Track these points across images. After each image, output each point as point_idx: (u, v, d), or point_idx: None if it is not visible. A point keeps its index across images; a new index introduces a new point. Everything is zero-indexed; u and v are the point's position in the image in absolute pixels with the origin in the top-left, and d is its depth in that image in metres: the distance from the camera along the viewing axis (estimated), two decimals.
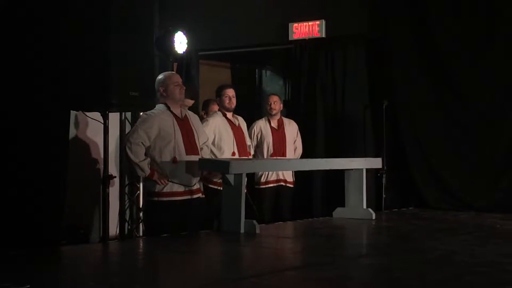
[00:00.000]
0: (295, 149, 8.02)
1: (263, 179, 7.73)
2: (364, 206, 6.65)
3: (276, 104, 7.94)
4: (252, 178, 7.66)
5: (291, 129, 8.06)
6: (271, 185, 7.76)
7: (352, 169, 6.73)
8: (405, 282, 3.75)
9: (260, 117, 8.15)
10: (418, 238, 5.66)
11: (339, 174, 6.93)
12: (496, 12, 7.51)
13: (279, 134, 7.89)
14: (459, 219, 6.71)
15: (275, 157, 7.74)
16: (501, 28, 7.50)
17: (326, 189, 8.54)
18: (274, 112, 7.91)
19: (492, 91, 7.53)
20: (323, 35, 8.86)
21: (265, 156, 7.78)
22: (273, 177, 7.73)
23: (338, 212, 6.80)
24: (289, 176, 7.88)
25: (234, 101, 7.24)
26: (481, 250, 4.96)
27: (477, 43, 7.59)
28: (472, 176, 7.58)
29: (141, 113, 6.53)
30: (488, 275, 3.90)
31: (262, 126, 7.87)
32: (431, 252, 4.80)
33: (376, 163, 7.07)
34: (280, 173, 7.75)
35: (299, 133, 8.14)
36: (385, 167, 7.65)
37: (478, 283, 3.70)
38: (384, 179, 7.81)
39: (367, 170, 6.82)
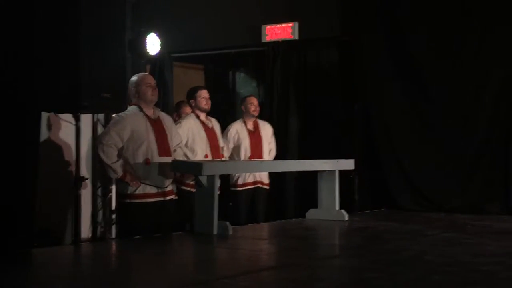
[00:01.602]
0: (269, 151, 8.04)
1: (240, 181, 7.73)
2: (337, 208, 6.68)
3: (255, 105, 7.94)
4: (228, 180, 7.66)
5: (266, 131, 8.07)
6: (248, 187, 7.77)
7: (324, 171, 6.76)
8: (375, 283, 3.78)
9: (233, 120, 8.15)
10: (389, 239, 5.69)
11: (312, 175, 6.96)
12: (465, 15, 7.57)
13: (255, 136, 7.90)
14: (430, 220, 6.75)
15: (252, 159, 7.76)
16: (471, 31, 7.56)
17: (299, 190, 8.57)
18: (257, 113, 7.92)
19: (462, 93, 7.59)
20: (296, 37, 8.89)
21: (242, 158, 7.77)
22: (250, 179, 7.74)
23: (311, 214, 6.82)
24: (265, 178, 7.89)
25: (207, 104, 7.26)
26: (451, 250, 5.01)
27: (447, 46, 7.65)
28: (443, 177, 7.64)
29: (113, 115, 6.50)
30: (458, 274, 3.95)
31: (238, 128, 7.87)
32: (402, 253, 4.86)
33: (348, 164, 7.11)
34: (257, 174, 7.76)
35: (273, 135, 8.16)
36: (357, 168, 7.67)
37: (448, 283, 3.74)
38: (356, 181, 7.85)
39: (340, 171, 6.86)
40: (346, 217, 6.61)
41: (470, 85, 7.58)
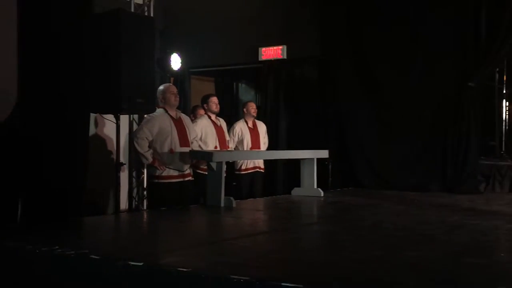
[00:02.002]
0: (264, 143, 8.04)
1: (243, 167, 7.72)
2: (315, 186, 6.69)
3: (254, 108, 7.97)
4: (233, 165, 7.67)
5: (262, 128, 8.07)
6: (249, 171, 7.77)
7: (306, 158, 6.77)
8: (345, 243, 3.80)
9: (237, 119, 8.15)
10: (355, 210, 5.72)
11: (297, 162, 6.97)
12: (417, 36, 7.49)
13: (254, 132, 7.90)
14: (386, 196, 6.75)
15: (252, 150, 7.79)
16: (420, 51, 7.50)
17: (287, 173, 8.56)
18: (255, 115, 7.94)
19: (412, 101, 7.53)
20: (285, 57, 8.89)
21: (245, 149, 7.78)
22: (250, 165, 7.73)
23: (296, 191, 6.83)
24: (262, 164, 7.90)
25: (218, 107, 7.30)
26: (402, 219, 5.04)
27: (401, 63, 7.60)
28: (396, 163, 7.61)
29: (145, 115, 6.53)
30: (407, 237, 3.99)
31: (241, 126, 7.86)
32: (364, 221, 4.90)
33: (324, 154, 7.10)
34: (256, 161, 7.78)
35: (266, 131, 8.17)
36: (331, 157, 7.67)
37: (399, 243, 3.78)
38: (330, 166, 7.85)
39: (317, 159, 6.87)
40: (322, 194, 6.61)
41: (418, 89, 7.50)
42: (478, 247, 3.69)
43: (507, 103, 8.38)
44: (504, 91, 8.35)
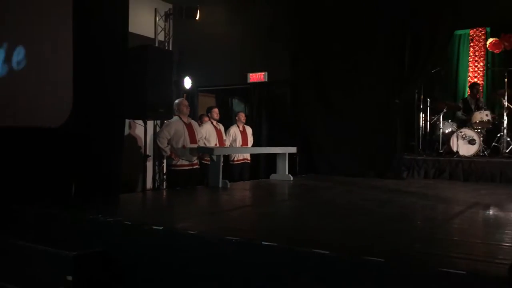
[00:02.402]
0: (250, 142, 8.04)
1: (235, 158, 7.71)
2: (287, 173, 6.69)
3: (243, 117, 7.96)
4: (228, 158, 7.66)
5: (249, 131, 8.05)
6: (240, 161, 7.75)
7: (280, 153, 6.77)
8: (308, 215, 3.82)
9: (231, 125, 8.13)
10: (315, 190, 5.71)
11: (274, 155, 6.97)
12: (360, 66, 7.42)
13: (244, 134, 7.87)
14: (336, 180, 6.75)
15: (242, 147, 7.78)
16: (362, 77, 7.44)
17: (267, 163, 8.54)
18: (244, 121, 7.93)
19: (355, 111, 7.49)
20: (266, 80, 8.88)
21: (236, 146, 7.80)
22: (240, 157, 7.73)
23: (273, 176, 6.82)
24: (248, 157, 7.88)
25: (218, 115, 7.29)
26: (349, 197, 5.04)
27: (348, 85, 7.55)
28: (344, 157, 7.55)
29: (165, 121, 6.50)
30: (353, 210, 4.00)
31: (235, 130, 7.83)
32: (322, 198, 4.90)
33: (293, 150, 7.10)
34: (244, 155, 7.76)
35: (252, 133, 8.17)
36: (298, 152, 7.67)
37: (347, 214, 3.78)
38: (298, 158, 7.86)
39: (288, 154, 6.87)
40: (292, 179, 6.61)
41: (360, 102, 7.44)
42: (401, 217, 3.70)
43: (423, 114, 8.44)
44: (421, 106, 8.42)
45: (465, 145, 7.32)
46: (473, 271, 2.05)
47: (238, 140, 7.78)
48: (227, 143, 7.60)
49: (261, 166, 8.71)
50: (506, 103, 7.47)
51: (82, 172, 4.50)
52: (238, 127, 7.90)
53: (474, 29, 9.56)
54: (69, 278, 2.90)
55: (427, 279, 2.09)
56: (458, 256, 2.37)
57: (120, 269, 3.01)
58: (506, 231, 3.20)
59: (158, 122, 7.94)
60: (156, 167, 8.21)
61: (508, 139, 7.36)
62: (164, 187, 7.76)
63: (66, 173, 4.40)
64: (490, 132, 7.77)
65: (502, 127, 7.33)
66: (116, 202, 4.42)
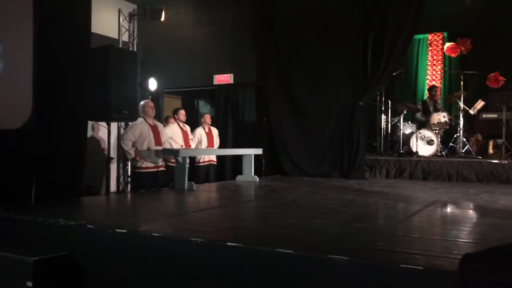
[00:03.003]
0: (216, 144, 8.02)
1: (201, 160, 7.69)
2: (253, 174, 6.70)
3: (209, 118, 7.94)
4: (194, 159, 7.61)
5: (215, 132, 8.05)
6: (206, 163, 7.73)
7: (246, 154, 6.78)
8: (272, 214, 3.82)
9: (198, 126, 8.09)
10: (279, 191, 5.72)
11: (240, 157, 6.97)
12: (325, 69, 7.50)
13: (210, 136, 7.86)
14: (301, 181, 6.81)
15: (208, 148, 7.74)
16: (327, 79, 7.51)
17: (233, 165, 8.54)
18: (210, 123, 7.90)
19: (320, 112, 7.57)
20: (232, 82, 8.89)
21: (203, 148, 7.75)
22: (206, 158, 7.71)
23: (239, 178, 6.81)
24: (214, 158, 7.87)
25: (185, 117, 7.25)
26: (312, 197, 5.05)
27: (314, 87, 7.61)
28: (309, 158, 7.61)
29: (129, 123, 6.39)
30: (315, 210, 4.01)
31: (201, 131, 7.83)
32: (286, 198, 4.89)
33: (259, 151, 7.13)
34: (210, 156, 7.74)
35: (218, 135, 8.15)
36: (264, 153, 7.70)
37: (310, 213, 3.80)
38: (263, 160, 7.89)
39: (254, 155, 6.88)
40: (258, 180, 6.62)
41: (324, 104, 7.52)
42: (364, 216, 3.77)
43: (384, 116, 8.64)
44: (383, 108, 8.61)
45: (424, 145, 7.55)
46: (430, 266, 2.11)
47: (204, 142, 7.76)
48: (193, 145, 7.56)
49: (227, 167, 8.71)
50: (462, 105, 7.75)
51: (43, 175, 4.36)
52: (204, 128, 7.87)
53: (432, 34, 9.89)
54: (29, 284, 2.81)
55: (389, 275, 2.14)
56: (417, 252, 2.43)
57: (84, 273, 2.94)
58: (461, 228, 3.32)
59: (122, 124, 7.80)
60: (121, 170, 8.06)
61: (464, 139, 7.63)
62: (129, 189, 7.62)
63: (26, 176, 4.26)
64: (447, 133, 8.05)
65: (459, 128, 7.60)
66: (78, 205, 4.30)
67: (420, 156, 7.40)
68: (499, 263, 0.76)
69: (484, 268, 0.77)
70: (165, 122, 7.92)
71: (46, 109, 4.39)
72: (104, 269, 2.87)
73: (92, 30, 5.05)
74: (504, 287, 0.74)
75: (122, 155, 7.65)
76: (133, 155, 5.79)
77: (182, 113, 7.33)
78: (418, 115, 8.61)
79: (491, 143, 7.84)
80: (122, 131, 7.62)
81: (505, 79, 8.41)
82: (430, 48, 9.98)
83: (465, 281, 0.77)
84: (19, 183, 4.19)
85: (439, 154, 7.55)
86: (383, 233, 3.07)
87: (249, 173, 6.70)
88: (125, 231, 2.86)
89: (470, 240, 2.87)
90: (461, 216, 3.99)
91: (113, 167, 7.78)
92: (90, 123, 7.21)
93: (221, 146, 8.22)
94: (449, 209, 4.34)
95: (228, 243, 2.50)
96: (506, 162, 6.68)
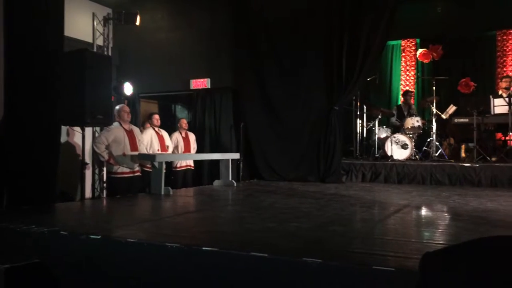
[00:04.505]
0: (193, 149, 8.00)
1: (178, 165, 7.65)
2: (230, 179, 6.71)
3: (185, 123, 7.92)
4: (171, 164, 7.57)
5: (192, 137, 8.03)
6: (182, 168, 7.70)
7: (223, 159, 6.78)
8: (248, 218, 3.83)
9: (174, 131, 8.05)
10: (256, 195, 5.72)
11: (217, 161, 6.97)
12: (301, 75, 7.55)
13: (186, 140, 7.84)
14: (278, 185, 6.85)
15: (184, 153, 7.71)
16: (303, 85, 7.57)
17: (210, 170, 8.52)
18: (185, 128, 7.88)
19: (297, 114, 7.61)
20: (209, 87, 8.87)
21: (179, 153, 7.71)
22: (183, 163, 7.68)
23: (216, 182, 6.83)
24: (191, 163, 7.84)
25: (158, 122, 7.20)
26: (288, 200, 5.08)
27: (289, 92, 7.68)
28: (286, 163, 7.66)
29: (104, 127, 6.32)
30: (291, 213, 4.02)
31: (177, 136, 7.80)
32: (263, 202, 4.90)
33: (236, 155, 7.15)
34: (187, 161, 7.71)
35: (195, 139, 8.12)
36: (241, 158, 7.72)
37: (286, 217, 3.81)
38: (241, 164, 7.90)
39: (232, 159, 6.89)
40: (235, 184, 6.64)
41: (300, 109, 7.60)
42: (340, 219, 3.80)
43: (359, 121, 8.77)
44: (358, 113, 8.74)
45: (399, 149, 7.69)
46: (402, 267, 2.16)
47: (181, 147, 7.73)
48: (170, 150, 7.52)
49: (205, 172, 8.68)
50: (434, 110, 7.93)
51: (15, 180, 4.28)
52: (181, 133, 7.85)
53: (406, 40, 10.11)
54: None
55: (361, 277, 2.18)
56: (389, 254, 2.48)
57: (56, 281, 2.89)
58: (434, 229, 3.40)
59: (97, 129, 7.71)
60: (96, 175, 7.95)
61: (437, 143, 7.81)
62: (104, 195, 7.52)
63: None
64: (421, 137, 8.22)
65: (432, 132, 7.77)
66: (52, 212, 4.22)
67: (395, 160, 7.53)
68: (453, 261, 0.80)
69: (441, 266, 0.81)
70: (142, 127, 7.86)
71: (18, 114, 4.32)
72: (77, 276, 2.83)
73: (66, 34, 4.99)
74: (463, 285, 0.78)
75: (97, 160, 7.55)
76: (106, 157, 5.73)
77: (155, 118, 7.29)
78: (393, 119, 8.77)
79: (463, 147, 8.05)
80: (96, 135, 7.51)
81: (475, 85, 8.64)
82: (403, 54, 10.20)
83: (424, 278, 0.81)
84: None
85: (413, 158, 7.70)
86: (357, 236, 3.11)
87: (226, 178, 6.70)
88: (99, 237, 2.83)
89: (442, 242, 2.94)
90: (434, 218, 4.08)
91: (88, 173, 7.67)
92: (65, 128, 7.12)
93: (199, 150, 8.20)
94: (422, 212, 4.44)
95: (203, 248, 2.50)
96: (477, 165, 6.86)
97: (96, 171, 8.02)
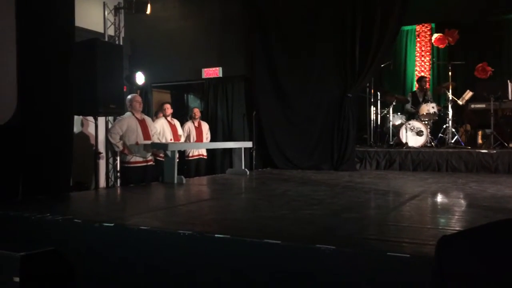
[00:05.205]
0: (207, 138, 8.00)
1: (190, 154, 7.67)
2: (243, 167, 6.71)
3: (198, 112, 7.92)
4: (184, 153, 7.59)
5: (205, 127, 8.03)
6: (195, 157, 7.72)
7: (236, 148, 6.78)
8: (262, 206, 3.84)
9: (187, 120, 8.06)
10: (270, 183, 5.73)
11: (230, 150, 6.96)
12: (313, 62, 7.50)
13: (199, 130, 7.84)
14: (292, 174, 6.83)
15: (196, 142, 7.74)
16: (315, 72, 7.53)
17: (223, 158, 8.53)
18: (197, 117, 7.88)
19: (310, 103, 7.57)
20: (221, 75, 8.84)
21: (191, 142, 7.74)
22: (195, 153, 7.69)
23: (229, 171, 6.84)
24: (204, 152, 7.85)
25: (170, 111, 7.24)
26: (301, 188, 5.06)
27: (302, 80, 7.63)
28: (299, 151, 7.62)
29: (117, 117, 6.35)
30: (304, 201, 4.03)
31: (189, 125, 7.81)
32: (276, 190, 4.90)
33: (249, 144, 7.15)
34: (200, 150, 7.73)
35: (209, 129, 8.13)
36: (254, 146, 7.71)
37: (299, 205, 3.81)
38: (254, 153, 7.89)
39: (244, 148, 6.88)
40: (248, 173, 6.64)
41: (313, 97, 7.53)
42: (353, 206, 3.78)
43: (373, 108, 8.68)
44: (372, 100, 8.65)
45: (414, 136, 7.60)
46: (417, 254, 2.13)
47: (192, 136, 7.75)
48: (182, 139, 7.54)
49: (217, 161, 8.70)
50: (450, 96, 7.80)
51: (30, 170, 4.33)
52: (193, 123, 7.86)
53: (420, 25, 9.93)
54: (16, 279, 2.79)
55: (375, 263, 2.16)
56: (405, 240, 2.45)
57: (71, 268, 2.93)
58: (450, 216, 3.35)
59: (110, 118, 7.75)
60: (110, 165, 8.01)
61: (453, 130, 7.69)
62: (118, 184, 7.58)
63: (13, 171, 4.22)
64: (436, 124, 8.11)
65: (448, 119, 7.66)
66: (66, 200, 4.27)
67: (409, 147, 7.45)
68: (471, 244, 0.77)
69: (460, 249, 0.78)
70: (155, 117, 7.89)
71: (32, 105, 4.35)
72: (92, 263, 2.86)
73: (77, 24, 5.00)
74: (479, 269, 0.75)
75: (111, 150, 7.60)
76: (121, 147, 5.76)
77: (167, 107, 7.31)
78: (408, 106, 8.66)
79: (480, 133, 7.92)
80: (110, 125, 7.56)
81: (493, 69, 8.47)
82: (418, 39, 10.03)
83: (440, 261, 0.78)
84: (6, 180, 4.16)
85: (428, 144, 7.61)
86: (371, 223, 3.09)
87: (239, 167, 6.71)
88: (112, 224, 2.85)
89: (458, 228, 2.90)
90: (450, 205, 4.03)
91: (102, 162, 7.73)
92: (79, 118, 7.18)
93: (211, 140, 8.21)
94: (438, 199, 4.38)
95: (216, 235, 2.50)
96: (494, 151, 6.74)
97: (110, 160, 8.08)
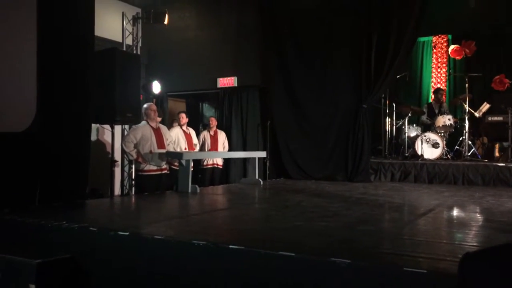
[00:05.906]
0: (224, 147, 8.00)
1: (205, 163, 7.70)
2: (257, 177, 6.70)
3: (214, 121, 7.97)
4: (198, 162, 7.62)
5: (222, 136, 8.05)
6: (209, 166, 7.74)
7: (250, 157, 6.78)
8: (275, 217, 3.82)
9: (203, 129, 8.10)
10: (283, 194, 5.69)
11: (244, 160, 6.96)
12: (328, 73, 7.50)
13: (214, 139, 7.88)
14: (306, 184, 6.80)
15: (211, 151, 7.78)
16: (330, 83, 7.52)
17: (238, 168, 8.53)
18: (213, 126, 7.92)
19: (324, 113, 7.55)
20: (236, 85, 8.88)
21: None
22: (210, 162, 7.72)
23: (243, 180, 6.84)
24: (219, 161, 7.87)
25: (185, 120, 7.27)
26: (316, 199, 5.03)
27: (317, 91, 7.63)
28: (313, 161, 7.60)
29: (133, 126, 6.41)
30: (318, 212, 3.98)
31: (205, 134, 7.86)
32: (289, 201, 4.89)
33: (263, 154, 7.14)
34: (214, 159, 7.75)
35: (226, 138, 8.16)
36: (268, 156, 7.70)
37: (313, 216, 3.77)
38: (268, 163, 7.87)
39: (258, 158, 6.88)
40: (262, 183, 6.62)
41: (328, 107, 7.52)
42: (368, 219, 3.73)
43: (389, 119, 8.61)
44: (387, 111, 8.59)
45: (429, 148, 7.52)
46: (434, 269, 2.09)
47: (207, 145, 7.78)
48: (197, 148, 7.57)
49: (232, 171, 8.70)
50: (467, 108, 7.71)
51: (47, 177, 4.38)
52: (209, 131, 7.89)
53: (437, 36, 9.86)
54: (32, 286, 2.81)
55: (391, 278, 2.13)
56: (421, 255, 2.41)
57: (86, 276, 2.94)
58: (467, 231, 3.29)
59: (126, 127, 7.82)
60: (125, 173, 8.07)
61: (470, 142, 7.59)
62: (133, 192, 7.63)
63: (30, 178, 4.28)
64: (452, 136, 8.01)
65: (464, 131, 7.56)
66: (81, 208, 4.30)
67: (425, 159, 7.37)
68: (499, 261, 0.76)
69: (484, 266, 0.76)
70: (171, 126, 7.95)
71: (50, 112, 4.41)
72: (107, 271, 2.87)
73: (96, 34, 5.08)
74: (503, 285, 0.74)
75: (126, 158, 7.67)
76: (135, 156, 5.81)
77: (182, 116, 7.35)
78: (423, 117, 8.58)
79: (497, 146, 7.80)
80: (125, 133, 7.63)
81: (510, 82, 8.35)
82: (434, 50, 9.95)
83: (464, 279, 0.77)
84: (24, 186, 4.21)
85: (444, 157, 7.51)
86: (387, 236, 3.05)
87: (253, 176, 6.70)
88: (127, 233, 2.86)
89: (475, 244, 2.85)
90: (467, 220, 3.96)
91: (117, 170, 7.80)
92: (95, 126, 7.26)
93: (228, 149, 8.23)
94: (454, 213, 4.31)
95: (230, 246, 2.49)
96: None
97: (125, 168, 8.15)
